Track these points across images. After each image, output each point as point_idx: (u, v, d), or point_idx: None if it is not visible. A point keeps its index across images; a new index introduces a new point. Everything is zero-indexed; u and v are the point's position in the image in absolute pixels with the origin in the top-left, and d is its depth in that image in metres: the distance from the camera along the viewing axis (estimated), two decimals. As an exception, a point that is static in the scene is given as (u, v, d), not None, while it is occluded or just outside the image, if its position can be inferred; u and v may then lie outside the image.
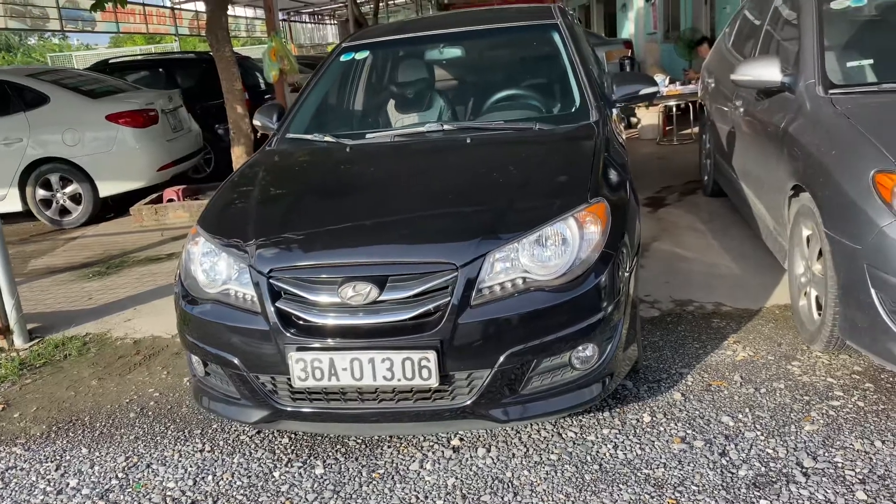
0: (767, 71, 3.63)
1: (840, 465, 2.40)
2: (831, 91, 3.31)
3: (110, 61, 9.78)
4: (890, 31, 3.85)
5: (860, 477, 2.33)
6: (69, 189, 7.21)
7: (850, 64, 3.59)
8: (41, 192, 7.22)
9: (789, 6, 4.08)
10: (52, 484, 2.75)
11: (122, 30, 19.06)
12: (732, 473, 2.41)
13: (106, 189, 7.23)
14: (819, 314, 3.08)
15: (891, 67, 3.55)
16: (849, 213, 2.74)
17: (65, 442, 3.04)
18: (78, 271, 5.61)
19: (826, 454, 2.46)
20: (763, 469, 2.41)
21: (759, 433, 2.61)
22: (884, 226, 2.59)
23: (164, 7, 19.89)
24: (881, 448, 2.46)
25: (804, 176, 3.15)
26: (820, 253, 3.01)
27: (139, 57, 11.46)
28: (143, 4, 18.74)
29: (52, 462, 2.90)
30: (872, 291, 2.63)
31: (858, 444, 2.50)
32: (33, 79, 7.32)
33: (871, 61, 3.57)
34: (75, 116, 7.10)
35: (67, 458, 2.92)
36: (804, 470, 2.39)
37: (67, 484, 2.73)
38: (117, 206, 7.66)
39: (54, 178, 7.19)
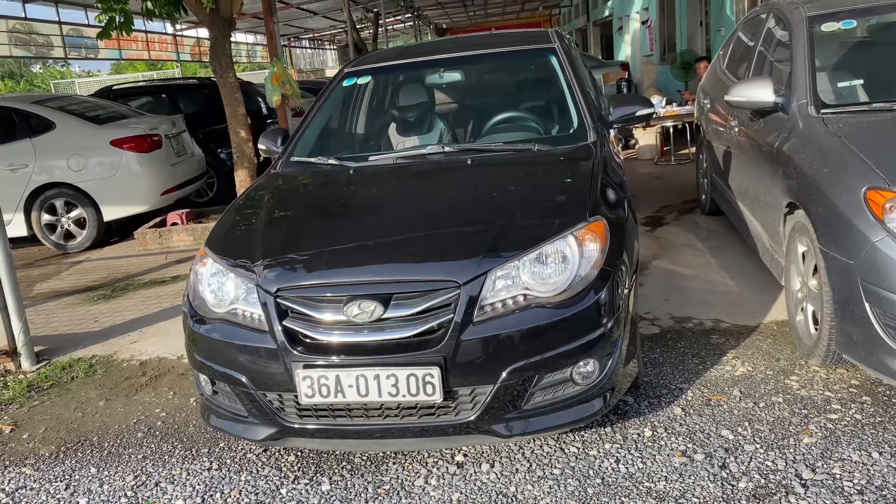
0: (761, 92, 3.72)
1: (838, 476, 2.44)
2: (823, 111, 3.40)
3: (114, 87, 9.89)
4: (879, 51, 3.95)
5: (858, 488, 2.37)
6: (74, 213, 7.29)
7: (841, 84, 3.67)
8: (46, 217, 7.29)
9: (781, 28, 4.18)
10: (62, 503, 2.78)
11: (124, 56, 19.27)
12: (733, 486, 2.45)
13: (110, 213, 7.31)
14: (816, 329, 3.14)
15: (881, 87, 3.64)
16: (842, 229, 2.80)
17: (73, 462, 3.08)
18: (83, 294, 5.66)
19: (824, 466, 2.50)
20: (763, 481, 2.45)
21: (758, 446, 2.65)
22: (876, 241, 2.65)
23: (165, 34, 20.12)
24: (878, 459, 2.50)
25: (798, 193, 3.22)
26: (815, 269, 3.07)
27: (142, 83, 11.55)
28: (146, 32, 18.96)
29: (61, 482, 2.93)
30: (867, 305, 2.69)
31: (856, 455, 2.54)
32: (39, 105, 7.43)
33: (861, 81, 3.66)
34: (80, 142, 7.19)
35: (76, 477, 2.95)
36: (803, 481, 2.43)
37: (77, 503, 2.77)
38: (121, 229, 7.74)
39: (59, 203, 7.26)
